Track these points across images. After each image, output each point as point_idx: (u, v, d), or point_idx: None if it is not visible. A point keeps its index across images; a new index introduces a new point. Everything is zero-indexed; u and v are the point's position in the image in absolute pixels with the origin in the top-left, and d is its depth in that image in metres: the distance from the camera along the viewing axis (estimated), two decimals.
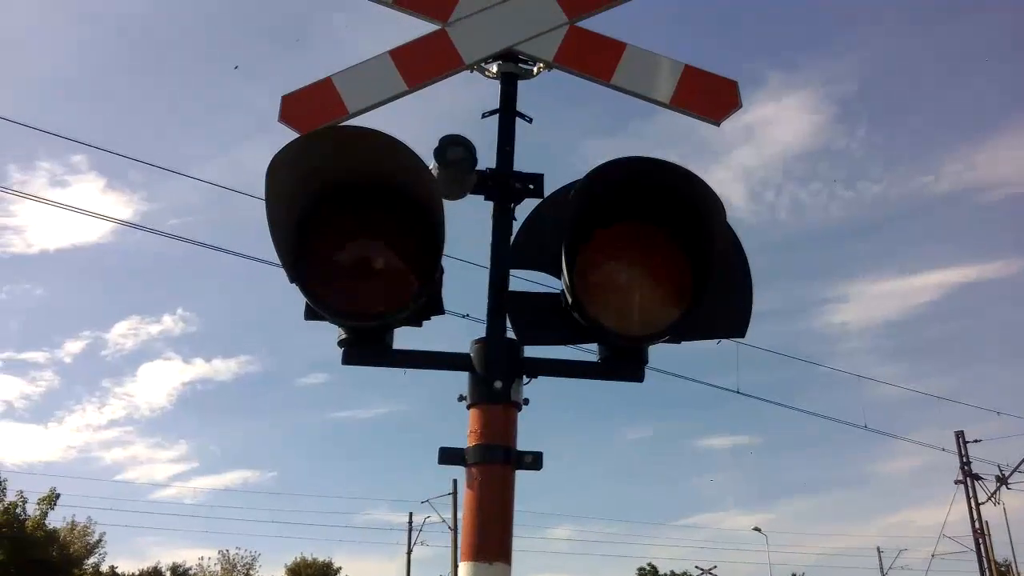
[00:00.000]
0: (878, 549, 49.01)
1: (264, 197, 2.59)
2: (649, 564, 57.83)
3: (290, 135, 3.21)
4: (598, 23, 3.51)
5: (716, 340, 3.02)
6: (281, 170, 2.58)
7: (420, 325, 2.92)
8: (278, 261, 2.69)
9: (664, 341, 2.93)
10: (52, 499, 36.33)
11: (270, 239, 2.65)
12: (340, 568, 50.66)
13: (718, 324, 2.97)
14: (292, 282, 2.71)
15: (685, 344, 2.98)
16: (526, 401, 2.95)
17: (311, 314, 2.84)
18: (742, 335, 2.96)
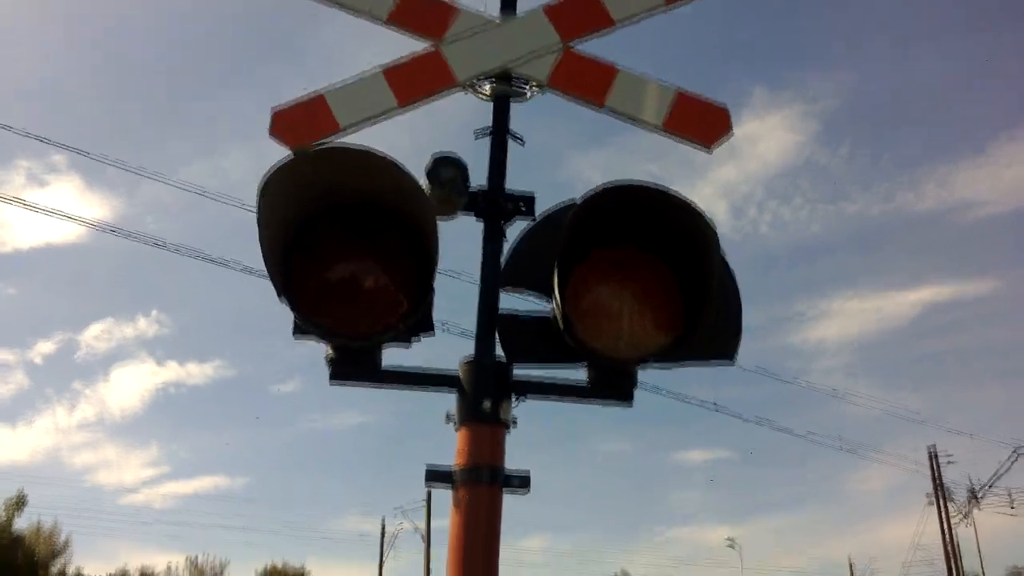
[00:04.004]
0: (849, 562, 49.35)
1: (256, 214, 2.58)
2: (622, 570, 57.33)
3: (280, 149, 3.21)
4: (590, 45, 3.53)
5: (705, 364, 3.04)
6: (273, 188, 2.56)
7: (410, 345, 2.90)
8: (261, 270, 2.68)
9: (653, 365, 2.94)
10: (20, 503, 35.91)
11: (259, 252, 2.63)
12: (311, 573, 49.96)
13: (708, 348, 2.98)
14: (280, 298, 2.69)
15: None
16: (514, 422, 2.95)
17: (299, 331, 2.82)
18: (732, 361, 2.98)
